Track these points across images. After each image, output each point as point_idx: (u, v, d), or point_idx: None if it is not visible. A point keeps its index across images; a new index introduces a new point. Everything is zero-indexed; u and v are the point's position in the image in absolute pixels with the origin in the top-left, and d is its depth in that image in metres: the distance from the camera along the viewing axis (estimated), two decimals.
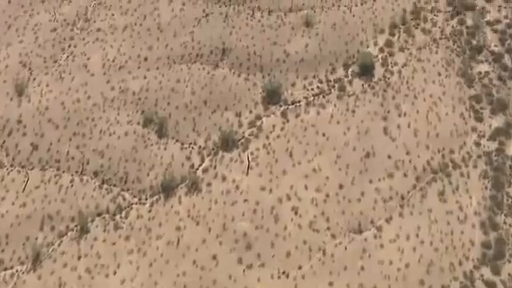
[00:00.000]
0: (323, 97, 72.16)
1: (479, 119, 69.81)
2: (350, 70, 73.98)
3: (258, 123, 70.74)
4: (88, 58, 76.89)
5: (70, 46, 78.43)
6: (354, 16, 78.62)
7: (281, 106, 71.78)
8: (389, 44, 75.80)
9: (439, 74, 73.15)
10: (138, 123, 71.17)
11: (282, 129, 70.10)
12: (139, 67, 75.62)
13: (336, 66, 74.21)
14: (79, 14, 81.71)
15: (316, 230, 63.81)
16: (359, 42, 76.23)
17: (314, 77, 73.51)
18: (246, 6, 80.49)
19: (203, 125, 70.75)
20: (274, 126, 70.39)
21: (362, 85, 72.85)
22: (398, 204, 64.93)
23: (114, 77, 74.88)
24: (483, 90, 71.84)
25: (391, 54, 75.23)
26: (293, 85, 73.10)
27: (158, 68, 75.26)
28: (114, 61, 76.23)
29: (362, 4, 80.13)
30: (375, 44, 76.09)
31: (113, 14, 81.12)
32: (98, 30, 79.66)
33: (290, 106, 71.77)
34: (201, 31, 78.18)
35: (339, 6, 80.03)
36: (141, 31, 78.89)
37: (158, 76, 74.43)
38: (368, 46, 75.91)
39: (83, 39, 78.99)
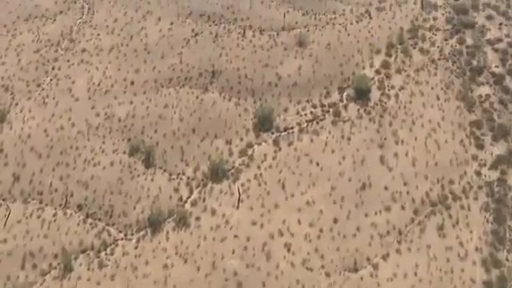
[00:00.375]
0: (317, 123, 69.20)
1: (480, 146, 66.89)
2: (345, 93, 71.00)
3: (250, 152, 67.78)
4: (72, 82, 73.89)
5: (53, 69, 75.39)
6: (349, 35, 75.56)
7: (273, 133, 68.85)
8: (385, 65, 72.75)
9: (438, 98, 70.19)
10: (124, 152, 68.22)
11: (274, 158, 67.17)
12: (125, 91, 72.62)
13: (330, 90, 71.23)
14: (64, 34, 78.57)
15: (309, 268, 60.93)
16: (355, 64, 73.18)
17: (307, 101, 70.54)
18: (237, 25, 77.40)
19: (192, 154, 67.82)
20: (265, 155, 67.45)
21: (358, 110, 69.87)
22: (395, 239, 62.08)
23: (100, 102, 71.87)
24: (484, 114, 68.88)
25: (388, 76, 72.20)
26: (285, 110, 70.12)
27: (144, 92, 72.27)
28: (99, 84, 73.23)
29: (357, 22, 77.09)
30: (371, 65, 73.04)
31: (98, 34, 78.03)
32: (83, 50, 76.56)
33: (283, 133, 68.83)
34: (189, 52, 75.11)
35: (334, 24, 76.96)
36: (127, 52, 75.83)
37: (144, 101, 71.43)
38: (364, 68, 72.92)
39: (68, 61, 75.92)
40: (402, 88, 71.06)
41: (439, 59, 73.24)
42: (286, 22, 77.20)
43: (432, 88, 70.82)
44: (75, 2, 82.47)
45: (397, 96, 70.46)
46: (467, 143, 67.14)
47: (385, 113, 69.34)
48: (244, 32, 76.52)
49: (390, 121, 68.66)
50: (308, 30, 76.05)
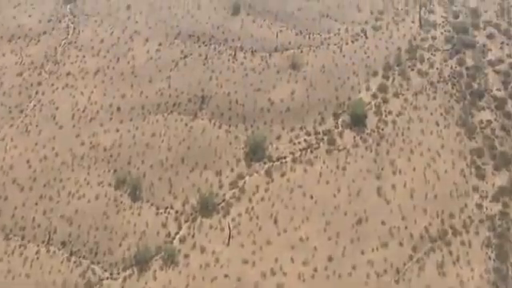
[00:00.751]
0: (311, 152, 66.37)
1: (481, 176, 64.07)
2: (341, 119, 68.12)
3: (241, 183, 64.93)
4: (56, 108, 70.96)
5: (37, 93, 72.48)
6: (344, 56, 72.63)
7: (265, 163, 65.99)
8: (382, 89, 69.85)
9: (437, 124, 67.33)
10: (110, 184, 65.38)
11: (266, 190, 64.35)
12: (111, 118, 69.73)
13: (325, 116, 68.34)
14: (48, 56, 75.59)
15: None
16: (350, 87, 70.27)
17: (301, 128, 67.67)
18: (228, 46, 74.44)
19: (180, 186, 64.98)
20: (257, 187, 64.61)
21: (354, 137, 67.02)
22: (392, 279, 59.28)
23: (84, 130, 68.99)
24: (485, 142, 66.01)
25: (385, 101, 69.32)
26: (278, 138, 67.26)
27: (131, 119, 69.37)
28: (84, 111, 70.33)
29: (352, 42, 74.13)
30: (367, 89, 70.14)
31: (84, 56, 75.06)
32: (68, 73, 73.62)
33: (275, 163, 65.96)
34: (178, 75, 72.18)
35: (328, 44, 74.00)
36: (114, 76, 72.90)
37: (131, 129, 68.57)
38: (360, 92, 70.02)
39: (52, 85, 73.00)
40: (399, 113, 68.20)
41: (438, 82, 70.36)
42: (279, 42, 74.25)
43: (431, 113, 67.95)
44: (60, 22, 79.52)
45: (394, 122, 67.61)
46: (468, 173, 64.33)
47: (382, 140, 66.52)
48: (235, 53, 73.55)
49: (387, 149, 65.85)
50: (301, 51, 73.12)
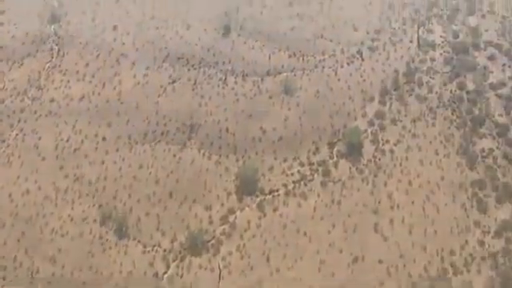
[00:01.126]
0: (305, 184, 63.49)
1: (483, 210, 61.20)
2: (336, 149, 65.25)
3: (231, 218, 62.11)
4: (39, 138, 67.99)
5: (19, 121, 69.50)
6: (339, 80, 69.62)
7: (257, 197, 63.11)
8: (379, 115, 66.89)
9: (437, 153, 64.40)
10: (95, 220, 62.52)
11: (258, 226, 61.50)
12: (96, 148, 66.77)
13: (319, 145, 65.42)
14: (31, 81, 72.56)
15: None
16: (346, 113, 67.34)
17: (294, 159, 64.79)
18: (218, 69, 71.45)
19: (169, 221, 62.13)
20: (248, 222, 61.78)
21: (350, 168, 64.11)
22: None
23: (68, 161, 66.07)
24: (487, 172, 63.08)
25: (382, 128, 66.36)
26: (270, 169, 64.37)
27: (117, 150, 66.43)
28: (68, 141, 67.39)
29: (348, 64, 71.11)
30: (364, 115, 67.18)
31: (68, 81, 72.05)
32: (52, 100, 70.57)
33: (268, 196, 63.09)
34: (166, 101, 69.20)
35: (323, 67, 70.99)
36: (99, 103, 69.89)
37: (117, 160, 65.68)
38: (356, 119, 67.06)
39: (35, 112, 70.00)
40: (397, 142, 65.29)
41: (438, 107, 67.42)
42: (272, 64, 71.27)
43: (430, 142, 65.03)
44: (44, 43, 76.49)
45: (392, 151, 64.72)
46: (469, 206, 61.48)
47: (379, 171, 63.62)
48: (225, 78, 70.58)
49: (384, 181, 62.97)
50: (295, 75, 70.14)
